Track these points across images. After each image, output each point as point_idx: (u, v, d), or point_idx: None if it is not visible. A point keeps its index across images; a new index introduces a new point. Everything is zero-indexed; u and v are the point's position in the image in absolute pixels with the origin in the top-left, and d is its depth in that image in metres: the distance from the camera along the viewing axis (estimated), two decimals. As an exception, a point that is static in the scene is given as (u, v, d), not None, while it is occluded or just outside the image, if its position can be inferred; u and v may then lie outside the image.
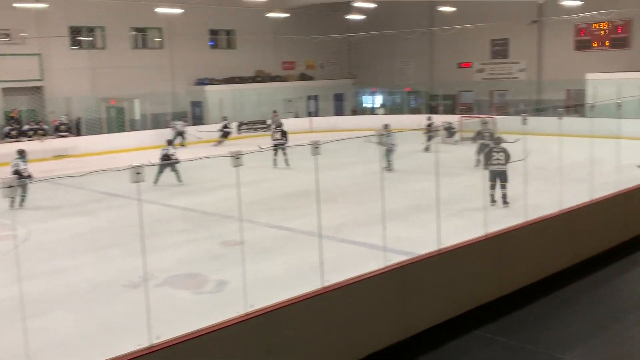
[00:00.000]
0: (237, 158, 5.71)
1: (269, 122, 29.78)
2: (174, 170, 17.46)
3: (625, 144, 12.45)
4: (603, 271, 9.74)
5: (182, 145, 26.60)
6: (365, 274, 7.12)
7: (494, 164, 13.05)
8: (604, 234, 10.70)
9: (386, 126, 18.98)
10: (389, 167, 18.02)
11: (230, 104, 30.61)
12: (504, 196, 13.01)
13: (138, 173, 5.34)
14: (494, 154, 13.17)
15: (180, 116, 28.25)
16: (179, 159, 17.87)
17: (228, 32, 32.99)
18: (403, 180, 16.50)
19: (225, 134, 27.77)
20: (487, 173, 13.36)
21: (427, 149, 20.43)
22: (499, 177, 13.07)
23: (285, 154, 19.48)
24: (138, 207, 5.67)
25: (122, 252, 10.83)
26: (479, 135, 18.69)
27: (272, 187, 16.63)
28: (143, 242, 5.82)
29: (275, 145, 20.06)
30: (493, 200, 13.03)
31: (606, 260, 10.18)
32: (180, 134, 26.77)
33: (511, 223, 9.07)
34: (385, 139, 17.08)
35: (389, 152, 17.81)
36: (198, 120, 30.76)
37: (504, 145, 13.21)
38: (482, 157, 15.79)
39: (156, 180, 16.81)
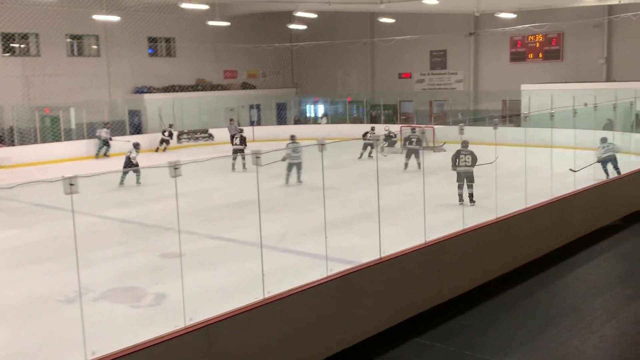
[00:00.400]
0: (176, 168, 5.63)
1: (225, 129, 29.67)
2: (136, 172, 18.44)
3: (557, 153, 12.91)
4: (539, 277, 10.04)
5: (106, 155, 26.07)
6: (307, 284, 7.12)
7: (461, 166, 13.97)
8: (539, 240, 11.06)
9: (292, 137, 18.38)
10: (297, 181, 17.29)
11: (170, 113, 30.18)
12: (471, 195, 13.85)
13: (72, 184, 5.18)
14: (462, 156, 14.01)
15: (104, 124, 27.32)
16: (138, 163, 19.01)
17: (168, 40, 32.56)
18: (346, 189, 16.60)
19: (165, 141, 27.47)
20: (454, 174, 14.04)
21: (360, 157, 21.68)
22: (465, 177, 13.95)
23: (243, 158, 20.10)
24: (73, 220, 5.50)
25: (57, 265, 10.48)
26: (407, 141, 19.99)
27: (213, 197, 16.46)
28: (78, 256, 5.65)
29: (235, 150, 20.66)
30: (461, 200, 13.84)
31: (542, 266, 10.50)
32: (106, 142, 26.20)
33: (452, 230, 9.27)
34: (290, 152, 16.55)
35: (291, 165, 17.12)
36: (136, 129, 30.16)
37: (470, 149, 14.10)
38: (409, 161, 19.22)
39: (121, 182, 18.17)
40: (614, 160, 15.82)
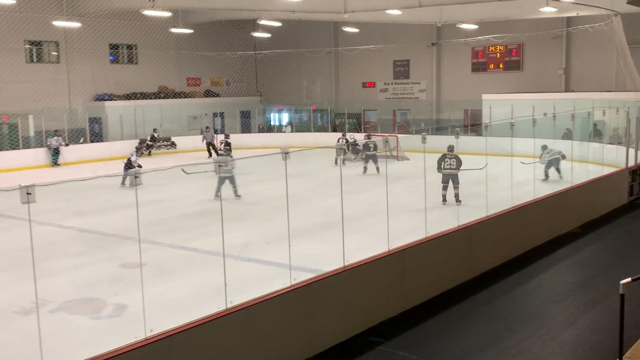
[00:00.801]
0: (136, 177, 5.57)
1: (200, 136, 29.61)
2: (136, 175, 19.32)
3: (518, 162, 13.15)
4: (500, 284, 10.20)
5: (55, 164, 25.61)
6: (271, 294, 7.10)
7: (447, 169, 14.84)
8: (500, 248, 11.25)
9: (225, 141, 18.12)
10: (235, 195, 16.24)
11: (132, 121, 29.81)
12: (457, 195, 14.63)
13: (29, 193, 5.08)
14: (447, 159, 14.83)
15: (54, 132, 26.73)
16: (140, 165, 19.51)
17: (129, 47, 32.20)
18: (311, 198, 16.62)
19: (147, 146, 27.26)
20: (417, 183, 13.92)
21: (335, 162, 21.77)
22: (450, 179, 14.83)
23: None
24: (30, 229, 5.39)
25: (13, 276, 10.24)
26: (365, 148, 21.33)
27: (175, 206, 16.30)
28: (35, 266, 5.53)
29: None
30: (444, 200, 14.73)
31: (503, 273, 10.68)
32: (56, 151, 25.75)
33: (415, 238, 9.37)
34: (224, 167, 15.52)
35: (222, 179, 15.74)
36: (97, 137, 29.70)
37: (456, 153, 14.94)
38: (367, 165, 20.81)
39: (122, 182, 18.32)
40: (557, 162, 16.94)
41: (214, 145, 28.55)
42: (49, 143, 26.02)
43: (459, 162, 14.77)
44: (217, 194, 15.57)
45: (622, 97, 21.24)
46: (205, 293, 8.95)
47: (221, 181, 16.00)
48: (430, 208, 10.01)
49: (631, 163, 17.47)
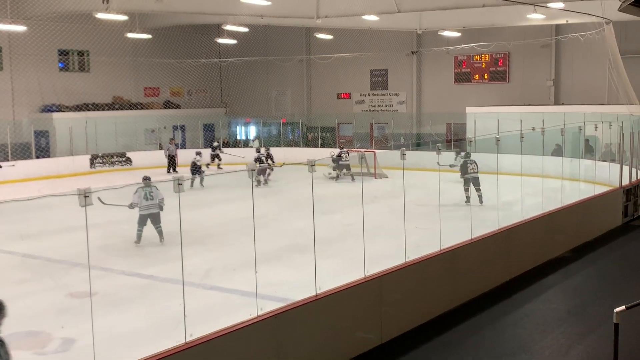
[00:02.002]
0: (86, 196, 5.51)
1: (163, 150, 30.00)
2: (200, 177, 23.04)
3: (504, 180, 13.31)
4: (485, 313, 10.26)
5: None
6: (235, 325, 7.05)
7: (470, 173, 17.81)
8: (485, 273, 11.34)
9: (145, 179, 14.89)
10: (160, 239, 14.34)
11: (82, 134, 29.52)
12: (480, 197, 17.29)
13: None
14: (469, 165, 17.77)
15: None
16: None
17: (81, 53, 31.99)
18: (280, 219, 16.60)
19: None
20: (396, 203, 14.09)
21: (337, 178, 24.11)
22: (472, 182, 17.66)
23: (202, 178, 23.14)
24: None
25: (-55, 308, 9.99)
26: (338, 158, 23.81)
27: (129, 229, 16.12)
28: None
29: (194, 169, 23.74)
30: (468, 201, 17.06)
31: (489, 301, 10.75)
32: None
33: (393, 263, 9.40)
34: (141, 199, 14.09)
35: (144, 217, 14.26)
36: (44, 152, 29.34)
37: (473, 158, 17.92)
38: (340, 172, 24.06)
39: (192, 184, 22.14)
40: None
41: (175, 161, 28.50)
42: None
43: (477, 166, 17.79)
44: (140, 239, 14.21)
45: (615, 111, 21.68)
46: (162, 325, 8.85)
47: (143, 220, 14.24)
48: (410, 230, 10.06)
49: (625, 182, 17.80)
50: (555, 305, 10.86)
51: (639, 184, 18.26)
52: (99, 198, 12.48)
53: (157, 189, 13.94)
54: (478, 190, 17.52)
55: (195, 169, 23.84)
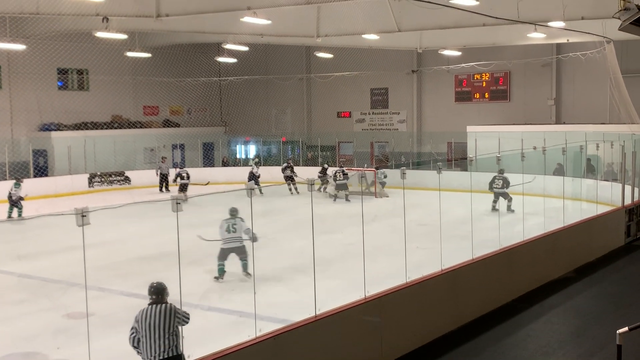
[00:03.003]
0: (84, 216, 5.52)
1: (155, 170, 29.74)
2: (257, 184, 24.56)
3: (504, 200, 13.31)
4: (487, 334, 10.22)
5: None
6: (233, 347, 7.02)
7: (495, 188, 19.67)
8: (487, 294, 11.30)
9: (232, 211, 13.27)
10: (243, 272, 12.86)
11: (81, 153, 29.57)
12: (509, 207, 19.15)
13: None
14: (496, 180, 19.60)
15: None
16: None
17: (80, 72, 32.14)
18: (280, 239, 16.57)
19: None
20: (397, 222, 14.04)
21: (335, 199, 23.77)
22: (501, 195, 19.44)
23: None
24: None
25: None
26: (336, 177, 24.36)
27: (127, 248, 16.11)
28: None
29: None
30: (494, 209, 18.91)
31: (491, 322, 10.71)
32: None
33: (394, 283, 9.38)
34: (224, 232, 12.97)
35: (225, 252, 12.91)
36: (42, 171, 29.36)
37: (505, 175, 19.41)
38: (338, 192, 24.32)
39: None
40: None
41: (167, 179, 28.56)
42: None
43: (507, 182, 19.38)
44: (222, 275, 12.83)
45: (617, 130, 21.76)
46: (160, 346, 8.80)
47: (224, 255, 12.91)
48: (411, 250, 10.05)
49: (627, 201, 17.79)
50: (558, 326, 10.81)
51: (642, 203, 18.25)
52: (199, 236, 12.27)
53: (242, 220, 12.67)
54: (508, 201, 19.34)
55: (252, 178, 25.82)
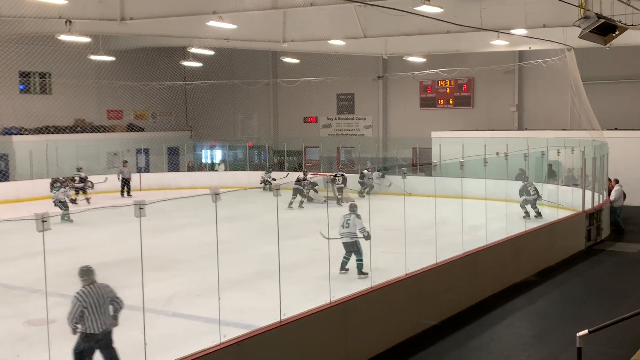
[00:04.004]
0: (44, 221, 5.42)
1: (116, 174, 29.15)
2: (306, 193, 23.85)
3: (468, 204, 13.45)
4: (450, 337, 10.30)
5: None
6: (197, 353, 6.96)
7: (531, 195, 19.25)
8: (451, 298, 11.40)
9: (352, 206, 13.45)
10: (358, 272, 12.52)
11: (43, 158, 29.07)
12: (538, 212, 19.09)
13: None
14: (528, 188, 19.14)
15: None
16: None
17: (42, 75, 31.61)
18: (245, 244, 16.50)
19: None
20: (386, 220, 13.94)
21: (290, 205, 23.06)
22: (529, 203, 19.13)
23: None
24: None
25: None
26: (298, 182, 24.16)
27: (89, 254, 15.84)
28: None
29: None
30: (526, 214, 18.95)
31: (454, 326, 10.80)
32: None
33: (359, 288, 9.41)
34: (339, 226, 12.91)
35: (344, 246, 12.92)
36: (2, 176, 28.77)
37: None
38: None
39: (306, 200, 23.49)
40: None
41: (129, 184, 28.27)
42: None
43: (537, 191, 19.28)
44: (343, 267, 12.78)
45: (578, 136, 22.12)
46: (122, 354, 8.69)
47: (344, 248, 12.79)
48: (377, 255, 10.09)
49: (588, 206, 18.12)
50: (520, 329, 10.95)
51: (601, 208, 18.60)
52: (321, 232, 12.29)
53: (358, 217, 12.71)
54: (535, 208, 19.16)
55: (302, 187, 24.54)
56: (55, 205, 20.28)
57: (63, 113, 31.61)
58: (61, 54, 28.48)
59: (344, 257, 12.77)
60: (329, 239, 11.60)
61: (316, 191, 24.75)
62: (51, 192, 21.92)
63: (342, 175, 24.46)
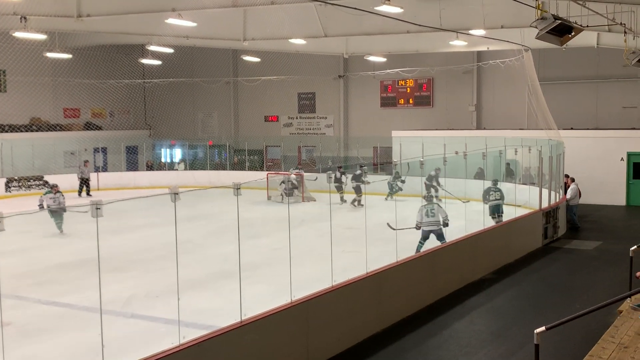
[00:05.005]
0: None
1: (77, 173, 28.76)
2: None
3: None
4: (410, 335, 10.38)
5: None
6: (156, 354, 6.87)
7: (491, 200, 17.39)
8: (411, 296, 11.48)
9: (428, 198, 15.29)
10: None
11: (-2, 157, 28.45)
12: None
13: None
14: (492, 192, 17.30)
15: None
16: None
17: (-4, 73, 30.91)
18: (205, 244, 16.39)
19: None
20: (323, 226, 14.01)
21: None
22: (495, 210, 17.25)
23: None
24: None
25: None
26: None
27: (44, 256, 15.58)
28: None
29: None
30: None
31: (414, 324, 10.88)
32: None
33: (320, 287, 9.41)
34: (423, 215, 14.15)
35: (425, 234, 14.24)
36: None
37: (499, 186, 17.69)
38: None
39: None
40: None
41: (89, 183, 27.88)
42: None
43: (503, 195, 17.46)
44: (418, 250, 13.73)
45: (535, 135, 22.51)
46: (80, 356, 8.58)
47: (426, 236, 14.07)
48: (338, 254, 10.10)
49: (545, 204, 18.43)
50: (479, 326, 11.08)
51: (558, 206, 18.94)
52: (388, 224, 12.46)
53: (439, 206, 14.25)
54: (499, 217, 17.04)
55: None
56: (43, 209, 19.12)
57: (18, 111, 30.97)
58: (16, 51, 27.82)
59: (420, 242, 13.80)
60: (396, 229, 12.05)
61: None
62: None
63: (343, 174, 23.54)
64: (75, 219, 16.27)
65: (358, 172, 22.81)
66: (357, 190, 22.33)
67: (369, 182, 21.05)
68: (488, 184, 18.11)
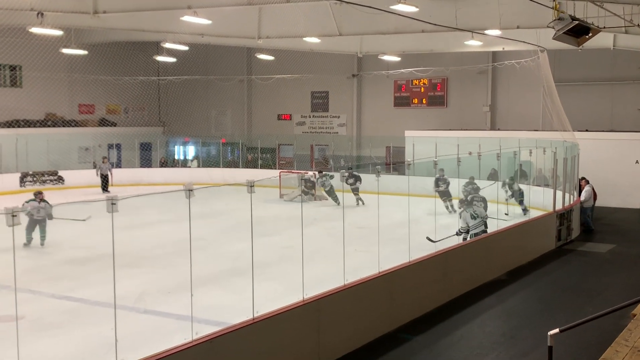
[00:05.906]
0: (14, 216, 5.33)
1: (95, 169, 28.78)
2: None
3: (441, 203, 13.56)
4: (422, 336, 10.36)
5: None
6: (168, 350, 6.91)
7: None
8: (423, 296, 11.46)
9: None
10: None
11: (13, 152, 28.62)
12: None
13: None
14: (476, 202, 15.57)
15: None
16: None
17: (13, 68, 31.10)
18: (218, 241, 16.41)
19: None
20: (336, 225, 14.01)
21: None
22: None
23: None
24: None
25: None
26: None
27: (57, 251, 15.67)
28: None
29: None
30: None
31: (426, 324, 10.85)
32: None
33: (332, 285, 9.42)
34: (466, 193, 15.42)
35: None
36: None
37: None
38: None
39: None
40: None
41: (108, 180, 28.00)
42: None
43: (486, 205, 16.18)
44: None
45: (549, 137, 22.38)
46: (92, 350, 8.63)
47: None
48: (350, 253, 10.10)
49: (559, 206, 18.34)
50: (491, 328, 11.04)
51: (572, 208, 18.84)
52: (427, 237, 12.67)
53: (480, 204, 14.95)
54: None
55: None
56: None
57: (34, 107, 31.20)
58: (32, 46, 28.01)
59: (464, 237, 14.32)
60: (435, 241, 12.10)
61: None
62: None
63: (353, 174, 23.77)
64: (90, 213, 16.32)
65: (346, 174, 23.20)
66: (355, 192, 22.89)
67: (355, 184, 22.37)
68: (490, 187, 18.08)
